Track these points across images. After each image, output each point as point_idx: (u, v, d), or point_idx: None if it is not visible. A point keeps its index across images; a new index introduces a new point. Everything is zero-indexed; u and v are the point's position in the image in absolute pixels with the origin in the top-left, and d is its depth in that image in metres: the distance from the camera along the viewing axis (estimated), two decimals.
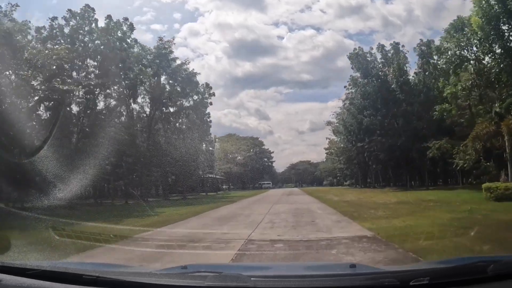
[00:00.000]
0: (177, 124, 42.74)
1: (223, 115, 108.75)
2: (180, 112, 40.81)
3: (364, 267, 2.87)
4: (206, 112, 47.71)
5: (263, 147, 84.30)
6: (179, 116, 41.54)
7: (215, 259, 6.19)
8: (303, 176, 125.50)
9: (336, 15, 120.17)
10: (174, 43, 45.72)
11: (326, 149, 70.66)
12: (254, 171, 77.86)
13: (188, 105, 43.24)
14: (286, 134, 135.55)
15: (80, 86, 25.12)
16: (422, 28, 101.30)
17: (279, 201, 23.89)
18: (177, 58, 38.15)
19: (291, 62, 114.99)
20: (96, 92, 28.08)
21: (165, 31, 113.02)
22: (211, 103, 46.86)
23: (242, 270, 2.35)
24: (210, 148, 55.55)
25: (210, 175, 57.00)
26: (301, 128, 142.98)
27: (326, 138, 68.47)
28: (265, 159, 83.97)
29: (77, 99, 26.91)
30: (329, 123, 58.06)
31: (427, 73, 30.61)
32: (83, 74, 28.47)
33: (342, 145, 53.89)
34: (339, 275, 2.02)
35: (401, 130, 31.78)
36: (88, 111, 27.92)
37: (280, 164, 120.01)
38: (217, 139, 69.05)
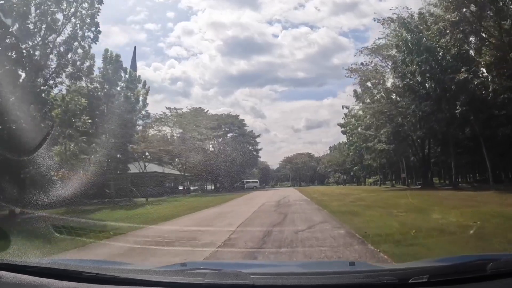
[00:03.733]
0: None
1: (218, 113, 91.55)
2: None
3: (363, 265, 2.74)
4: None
5: (246, 128, 57.62)
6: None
7: None
8: (302, 172, 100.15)
9: (331, 13, 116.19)
10: None
11: (341, 125, 44.36)
12: (231, 163, 51.41)
13: None
14: (282, 132, 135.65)
15: None
16: None
17: None
18: None
19: (286, 60, 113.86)
20: None
21: (158, 30, 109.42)
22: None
23: (241, 268, 2.36)
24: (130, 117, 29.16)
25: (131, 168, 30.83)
26: (297, 126, 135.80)
27: (343, 107, 42.13)
28: (249, 147, 57.46)
29: None
30: (352, 71, 31.31)
31: None
32: None
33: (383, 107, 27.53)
34: (338, 272, 1.94)
35: None
36: None
37: (277, 164, 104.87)
38: (174, 112, 42.26)
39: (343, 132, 43.41)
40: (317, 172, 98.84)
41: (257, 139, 59.03)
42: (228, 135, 56.81)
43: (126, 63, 42.12)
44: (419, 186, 32.34)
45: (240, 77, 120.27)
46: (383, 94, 28.53)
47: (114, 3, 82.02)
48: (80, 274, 1.88)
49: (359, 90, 38.84)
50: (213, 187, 60.33)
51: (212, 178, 56.14)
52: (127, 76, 31.10)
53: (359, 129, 29.99)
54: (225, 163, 52.32)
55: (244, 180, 63.46)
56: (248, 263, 4.38)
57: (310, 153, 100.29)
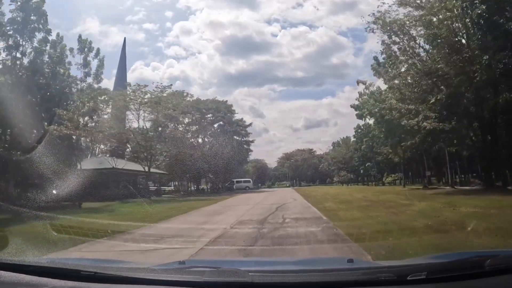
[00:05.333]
0: None
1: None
2: None
3: (361, 262, 2.68)
4: None
5: (235, 115, 47.10)
6: None
7: None
8: (301, 170, 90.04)
9: (329, 12, 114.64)
10: None
11: (355, 108, 34.34)
12: (215, 158, 41.31)
13: None
14: (281, 131, 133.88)
15: None
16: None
17: None
18: None
19: (284, 59, 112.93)
20: None
21: (157, 30, 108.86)
22: None
23: (240, 265, 2.35)
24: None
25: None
26: (296, 126, 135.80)
27: (358, 83, 32.22)
28: (239, 138, 47.09)
29: None
30: (375, 22, 21.06)
31: None
32: None
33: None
34: (337, 269, 1.93)
35: None
36: None
37: (275, 163, 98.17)
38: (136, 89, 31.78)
39: (359, 116, 33.36)
40: (319, 170, 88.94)
41: (249, 129, 48.44)
42: (215, 125, 46.61)
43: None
44: (476, 187, 22.31)
45: (239, 77, 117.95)
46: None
47: (113, 3, 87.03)
48: (79, 273, 1.84)
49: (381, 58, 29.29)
50: (201, 187, 50.56)
51: (194, 177, 46.06)
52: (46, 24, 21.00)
53: (392, 100, 19.80)
54: (208, 158, 42.24)
55: (235, 180, 53.36)
56: (247, 260, 4.23)
57: (312, 149, 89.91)
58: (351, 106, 33.60)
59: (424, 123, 17.50)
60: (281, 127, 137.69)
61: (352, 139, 67.31)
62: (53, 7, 77.02)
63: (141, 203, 24.23)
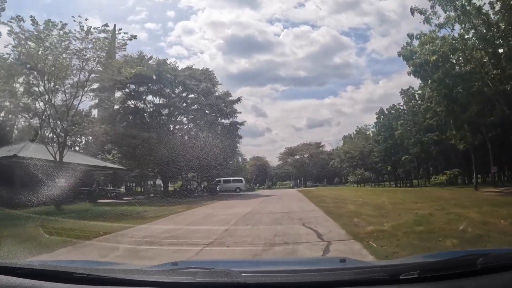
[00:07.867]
0: None
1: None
2: None
3: (354, 262, 2.65)
4: None
5: (218, 87, 33.57)
6: None
7: None
8: (307, 168, 76.56)
9: (331, 11, 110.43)
10: None
11: (403, 56, 20.92)
12: (186, 147, 28.35)
13: None
14: (283, 131, 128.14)
15: None
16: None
17: None
18: None
19: (286, 58, 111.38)
20: None
21: (158, 30, 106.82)
22: None
23: (233, 266, 2.33)
24: None
25: None
26: (298, 125, 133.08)
27: (412, 12, 18.82)
28: (223, 120, 33.78)
29: None
30: None
31: None
32: None
33: None
34: (330, 269, 1.94)
35: None
36: None
37: (277, 162, 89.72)
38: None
39: (414, 69, 19.94)
40: (327, 168, 75.98)
41: (237, 106, 34.76)
42: (194, 106, 33.24)
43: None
44: None
45: (241, 76, 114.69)
46: None
47: (115, 2, 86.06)
48: (71, 275, 1.82)
49: None
50: (172, 189, 37.69)
51: (163, 174, 33.07)
52: None
53: None
54: (176, 147, 29.24)
55: (222, 179, 40.13)
56: (240, 261, 4.22)
57: (319, 143, 75.92)
58: (399, 54, 20.31)
59: None
60: (283, 126, 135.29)
61: (371, 129, 54.29)
62: (54, 6, 75.65)
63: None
